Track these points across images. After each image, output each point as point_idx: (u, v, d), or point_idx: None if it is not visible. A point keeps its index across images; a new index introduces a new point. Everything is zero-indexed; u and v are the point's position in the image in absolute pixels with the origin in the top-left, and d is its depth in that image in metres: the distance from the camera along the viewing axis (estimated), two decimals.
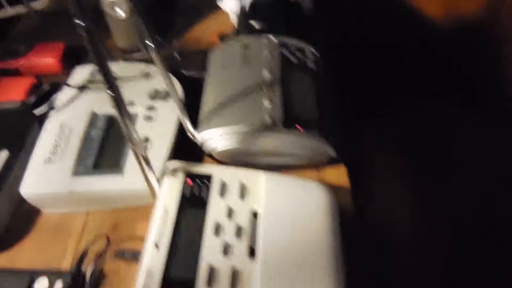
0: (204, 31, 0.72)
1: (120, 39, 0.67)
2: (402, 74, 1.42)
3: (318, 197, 0.42)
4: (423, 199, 1.30)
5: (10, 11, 0.62)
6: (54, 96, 0.57)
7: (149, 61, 0.59)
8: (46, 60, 0.64)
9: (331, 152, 0.46)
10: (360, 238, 0.44)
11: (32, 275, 0.39)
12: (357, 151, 1.32)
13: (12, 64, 0.64)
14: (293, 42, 0.57)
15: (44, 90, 0.58)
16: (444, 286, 1.08)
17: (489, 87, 1.49)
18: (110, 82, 0.33)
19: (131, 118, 0.36)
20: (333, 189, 0.44)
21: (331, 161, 0.48)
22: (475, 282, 1.08)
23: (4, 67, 0.64)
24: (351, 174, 0.50)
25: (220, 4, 0.72)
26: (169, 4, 0.74)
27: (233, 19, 0.71)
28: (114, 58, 0.64)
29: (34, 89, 0.58)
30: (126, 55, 0.66)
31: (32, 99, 0.57)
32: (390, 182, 1.34)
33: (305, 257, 0.37)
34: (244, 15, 0.64)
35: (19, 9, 0.62)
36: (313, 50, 0.57)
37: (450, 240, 1.18)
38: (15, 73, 0.64)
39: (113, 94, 0.34)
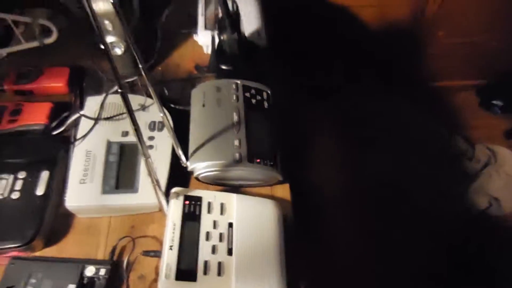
0: (181, 58, 0.89)
1: None
2: (342, 66, 1.67)
3: (270, 210, 0.65)
4: (352, 166, 1.61)
5: (25, 45, 0.76)
6: (68, 119, 0.75)
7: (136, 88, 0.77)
8: (56, 84, 0.79)
9: (279, 177, 0.69)
10: (295, 232, 0.68)
11: (83, 263, 0.59)
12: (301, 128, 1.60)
13: (27, 86, 0.79)
14: (254, 85, 0.77)
15: (63, 115, 0.74)
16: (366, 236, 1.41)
17: (410, 74, 1.79)
18: (137, 131, 0.51)
19: (148, 152, 0.55)
20: (280, 202, 0.68)
21: (279, 182, 0.71)
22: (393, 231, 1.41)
23: (20, 88, 0.79)
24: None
25: (195, 37, 0.89)
26: (153, 32, 0.90)
27: (206, 51, 0.89)
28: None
29: (53, 113, 0.75)
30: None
31: (54, 123, 0.73)
32: (328, 152, 1.64)
33: (262, 251, 0.60)
34: (214, 57, 0.83)
35: (34, 44, 0.76)
36: (268, 91, 0.78)
37: (372, 196, 1.51)
38: (29, 93, 0.79)
39: (139, 140, 0.52)
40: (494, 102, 1.82)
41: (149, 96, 0.73)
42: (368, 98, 1.74)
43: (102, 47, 0.44)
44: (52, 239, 0.64)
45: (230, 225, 0.62)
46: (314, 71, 1.65)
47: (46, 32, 0.78)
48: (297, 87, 1.61)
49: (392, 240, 1.43)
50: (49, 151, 0.69)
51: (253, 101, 0.75)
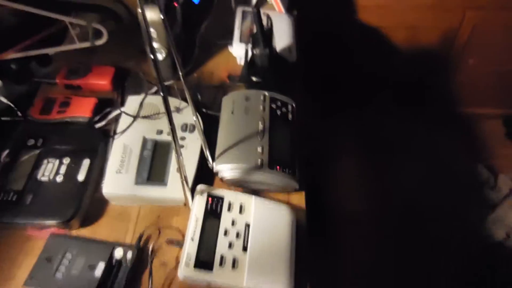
0: (216, 67, 0.96)
1: (154, 71, 0.90)
2: (374, 85, 1.71)
3: (285, 215, 0.71)
4: (371, 184, 1.65)
5: (78, 44, 0.84)
6: (110, 115, 0.82)
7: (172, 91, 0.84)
8: (102, 81, 0.87)
9: (296, 185, 0.74)
10: (308, 239, 0.73)
11: (113, 246, 0.66)
12: (325, 143, 1.64)
13: (76, 82, 0.87)
14: (280, 98, 0.83)
15: (105, 111, 0.82)
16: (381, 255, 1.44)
17: (439, 99, 1.81)
18: (173, 131, 0.58)
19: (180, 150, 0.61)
20: (295, 208, 0.73)
21: (296, 190, 0.76)
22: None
23: (70, 83, 0.87)
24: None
25: (230, 49, 0.96)
26: (192, 41, 0.97)
27: (239, 63, 0.95)
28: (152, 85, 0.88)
29: (96, 108, 0.83)
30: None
31: (97, 117, 0.81)
32: (349, 169, 1.68)
33: (274, 251, 0.66)
34: (246, 69, 0.89)
35: (85, 44, 0.85)
36: (293, 105, 0.84)
37: (390, 216, 1.54)
38: (77, 88, 0.88)
39: (174, 139, 0.59)
40: None
41: (184, 99, 0.80)
42: (393, 119, 1.77)
43: (149, 53, 0.51)
44: (87, 221, 0.71)
45: (247, 224, 0.67)
46: (343, 89, 1.70)
47: (97, 34, 0.86)
48: (324, 103, 1.66)
49: (406, 261, 1.46)
50: (91, 142, 0.76)
51: (278, 112, 0.81)
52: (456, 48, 1.59)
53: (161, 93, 0.54)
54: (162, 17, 0.59)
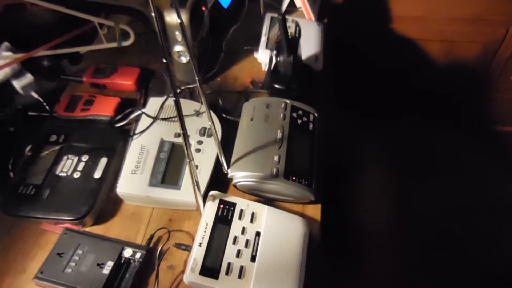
0: (240, 72, 0.96)
1: (178, 73, 0.90)
2: (405, 99, 1.66)
3: (297, 226, 0.69)
4: (398, 200, 1.59)
5: (106, 44, 0.86)
6: (131, 115, 0.83)
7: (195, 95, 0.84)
8: (126, 81, 0.88)
9: (312, 197, 0.72)
10: (320, 253, 0.71)
11: (122, 245, 0.66)
12: (351, 156, 1.61)
13: (102, 81, 0.88)
14: (302, 106, 0.82)
15: (127, 111, 0.83)
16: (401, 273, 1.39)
17: (474, 116, 1.74)
18: (184, 134, 0.57)
19: (191, 155, 0.60)
20: (309, 220, 0.71)
21: (312, 202, 0.74)
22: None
23: (95, 82, 0.89)
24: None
25: (255, 55, 0.96)
26: (218, 46, 0.97)
27: (264, 69, 0.95)
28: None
29: (119, 107, 0.84)
30: (182, 85, 0.90)
31: (118, 116, 0.82)
32: (374, 183, 1.63)
33: (283, 263, 0.64)
34: (269, 75, 0.88)
35: (113, 44, 0.86)
36: (315, 114, 0.82)
37: (419, 236, 1.48)
38: (102, 87, 0.89)
39: (185, 142, 0.57)
40: None
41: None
42: (425, 134, 1.72)
43: (164, 60, 0.51)
44: (101, 218, 0.72)
45: (258, 234, 0.66)
46: (373, 100, 1.66)
47: (125, 35, 0.87)
48: (353, 114, 1.63)
49: (430, 282, 1.40)
50: (110, 141, 0.77)
51: (299, 121, 0.79)
52: (495, 64, 1.53)
53: (173, 98, 0.54)
54: (179, 21, 0.59)
